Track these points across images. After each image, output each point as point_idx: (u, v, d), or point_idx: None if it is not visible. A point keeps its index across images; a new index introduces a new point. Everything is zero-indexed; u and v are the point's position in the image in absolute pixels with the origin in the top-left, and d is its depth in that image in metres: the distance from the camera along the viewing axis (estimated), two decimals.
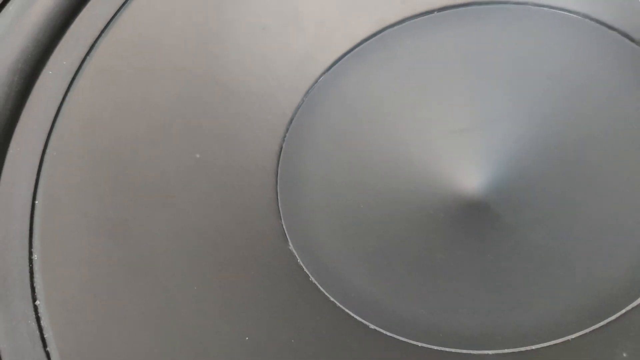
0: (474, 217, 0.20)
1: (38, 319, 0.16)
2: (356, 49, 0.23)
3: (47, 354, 0.15)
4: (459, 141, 0.21)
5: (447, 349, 0.17)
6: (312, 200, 0.21)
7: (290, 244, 0.20)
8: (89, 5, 0.21)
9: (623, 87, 0.20)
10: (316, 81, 0.23)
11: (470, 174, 0.21)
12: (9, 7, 0.22)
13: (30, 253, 0.17)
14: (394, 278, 0.20)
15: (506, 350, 0.17)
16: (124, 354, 0.16)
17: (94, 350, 0.16)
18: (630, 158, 0.19)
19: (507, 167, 0.20)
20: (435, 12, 0.23)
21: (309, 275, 0.19)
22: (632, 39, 0.20)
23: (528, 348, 0.16)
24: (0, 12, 0.22)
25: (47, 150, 0.19)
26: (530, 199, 0.20)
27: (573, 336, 0.16)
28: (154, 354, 0.16)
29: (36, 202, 0.18)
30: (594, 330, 0.16)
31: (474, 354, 0.17)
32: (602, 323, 0.16)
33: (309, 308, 0.18)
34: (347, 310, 0.18)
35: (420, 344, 0.17)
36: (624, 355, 0.15)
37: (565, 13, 0.22)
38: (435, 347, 0.17)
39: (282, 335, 0.17)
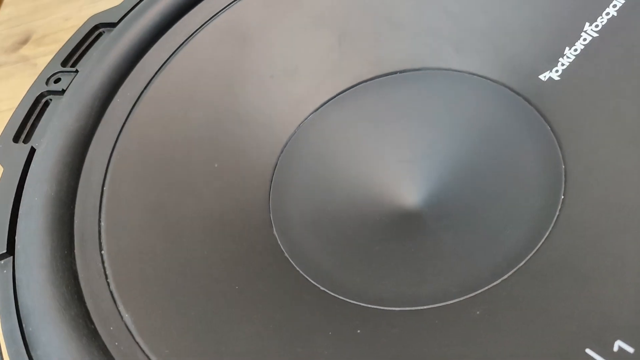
0: (407, 222, 0.28)
1: (102, 262, 0.24)
2: (337, 97, 0.32)
3: (107, 283, 0.24)
4: (403, 168, 0.29)
5: (374, 306, 0.25)
6: (293, 201, 0.29)
7: (274, 229, 0.28)
8: (147, 55, 0.30)
9: (516, 132, 0.28)
10: (306, 118, 0.31)
11: (409, 192, 0.29)
12: (92, 52, 0.31)
13: (99, 220, 0.25)
14: (344, 259, 0.27)
15: (417, 308, 0.24)
16: (155, 286, 0.24)
17: (136, 282, 0.24)
18: (515, 185, 0.27)
19: (434, 188, 0.28)
20: (398, 73, 0.32)
21: (284, 252, 0.27)
22: (524, 97, 0.29)
23: (431, 306, 0.24)
24: (85, 55, 0.31)
25: (114, 153, 0.27)
26: (447, 211, 0.28)
27: (459, 299, 0.24)
28: (175, 290, 0.24)
29: (104, 187, 0.26)
30: (474, 295, 0.24)
31: (395, 310, 0.24)
32: (481, 290, 0.24)
33: (281, 273, 0.26)
34: (306, 277, 0.26)
35: (354, 302, 0.25)
36: (477, 313, 0.22)
37: (478, 77, 0.30)
38: (365, 305, 0.25)
39: (260, 286, 0.25)
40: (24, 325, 0.21)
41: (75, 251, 0.23)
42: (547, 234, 0.24)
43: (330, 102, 0.32)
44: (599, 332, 0.19)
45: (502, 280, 0.24)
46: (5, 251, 0.23)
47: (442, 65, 0.31)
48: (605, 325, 0.19)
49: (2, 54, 0.70)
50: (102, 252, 0.24)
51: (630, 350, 0.18)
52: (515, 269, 0.24)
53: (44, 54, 0.67)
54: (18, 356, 0.20)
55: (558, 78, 0.28)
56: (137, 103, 0.29)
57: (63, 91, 0.29)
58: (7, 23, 0.71)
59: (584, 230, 0.24)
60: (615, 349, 0.18)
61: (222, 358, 0.21)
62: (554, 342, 0.20)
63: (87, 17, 0.33)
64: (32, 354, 0.20)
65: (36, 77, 0.58)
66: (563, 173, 0.26)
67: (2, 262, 0.23)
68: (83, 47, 0.31)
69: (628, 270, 0.21)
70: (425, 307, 0.24)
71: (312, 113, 0.32)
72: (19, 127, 0.28)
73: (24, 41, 0.71)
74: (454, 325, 0.23)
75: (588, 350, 0.18)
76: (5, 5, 0.71)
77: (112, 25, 0.31)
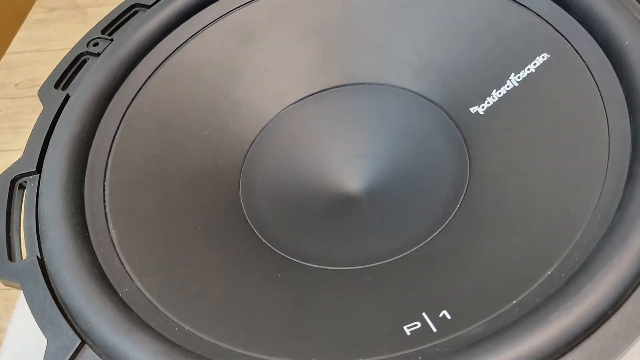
0: (347, 203, 0.35)
1: (103, 190, 0.32)
2: (313, 95, 0.39)
3: (104, 206, 0.31)
4: (353, 161, 0.37)
5: (295, 260, 0.32)
6: (260, 172, 0.37)
7: (240, 191, 0.36)
8: (168, 37, 0.38)
9: (442, 145, 0.35)
10: (285, 107, 0.39)
11: (355, 181, 0.36)
12: (126, 27, 0.39)
13: (107, 158, 0.33)
14: (299, 230, 0.35)
15: (377, 264, 0.31)
16: (138, 215, 0.32)
17: (125, 210, 0.32)
18: (434, 182, 0.34)
19: (372, 179, 0.36)
20: (365, 85, 0.39)
21: (243, 208, 0.35)
22: (455, 122, 0.36)
23: (371, 265, 0.31)
24: (120, 28, 0.39)
25: (128, 110, 0.35)
26: (380, 196, 0.35)
27: (392, 259, 0.31)
28: (153, 221, 0.32)
29: (116, 135, 0.34)
30: (402, 256, 0.31)
31: (310, 266, 0.32)
32: (406, 252, 0.31)
33: (235, 224, 0.34)
34: (266, 243, 0.33)
35: (282, 254, 0.32)
36: (368, 278, 0.30)
37: (425, 99, 0.37)
38: (290, 257, 0.32)
39: (216, 230, 0.33)
40: (39, 224, 0.29)
41: (86, 179, 0.31)
42: (449, 219, 0.32)
43: (307, 98, 0.39)
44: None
45: (415, 249, 0.31)
46: (34, 170, 0.32)
47: (401, 85, 0.38)
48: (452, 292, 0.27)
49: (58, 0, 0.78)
50: (105, 183, 0.32)
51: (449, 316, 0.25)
52: (424, 243, 0.31)
53: (94, 5, 0.75)
54: (32, 244, 0.29)
55: (482, 113, 0.35)
56: (154, 74, 0.37)
57: (99, 54, 0.37)
58: None
59: (478, 215, 0.31)
60: (440, 315, 0.25)
61: (174, 275, 0.29)
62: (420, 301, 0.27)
63: None
64: (42, 245, 0.29)
65: (84, 24, 0.68)
66: (467, 181, 0.33)
67: (32, 177, 0.31)
68: (120, 21, 0.39)
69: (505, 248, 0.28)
70: (334, 267, 0.32)
71: (290, 104, 0.39)
72: (60, 77, 0.36)
73: None
74: (353, 283, 0.30)
75: (423, 314, 0.26)
76: None
77: (147, 6, 0.39)
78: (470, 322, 0.24)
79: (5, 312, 0.46)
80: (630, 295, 0.22)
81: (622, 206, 0.24)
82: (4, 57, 0.71)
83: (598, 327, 0.21)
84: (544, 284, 0.24)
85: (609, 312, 0.21)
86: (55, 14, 0.75)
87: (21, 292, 0.43)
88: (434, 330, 0.25)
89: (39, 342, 0.43)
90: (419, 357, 0.23)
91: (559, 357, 0.21)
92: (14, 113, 0.63)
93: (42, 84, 0.65)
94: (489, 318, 0.24)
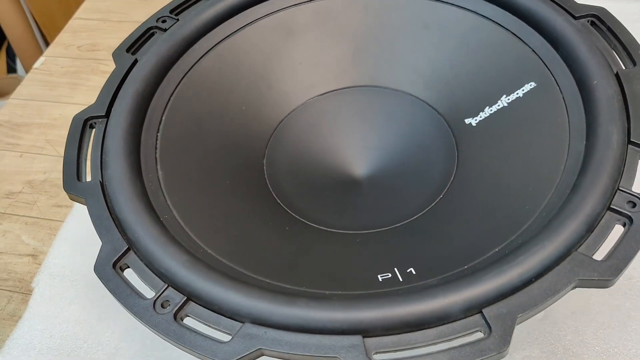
0: (355, 185, 0.42)
1: (156, 140, 0.39)
2: (338, 90, 0.46)
3: (155, 151, 0.39)
4: (363, 152, 0.44)
5: (302, 219, 0.39)
6: (281, 155, 0.44)
7: (264, 160, 0.43)
8: (222, 25, 0.45)
9: (439, 145, 0.42)
10: (312, 97, 0.46)
11: (361, 167, 0.43)
12: (191, 10, 0.46)
13: (162, 115, 0.40)
14: (308, 199, 0.42)
15: (368, 231, 0.38)
16: (181, 163, 0.39)
17: (172, 157, 0.39)
18: (426, 171, 0.41)
19: (376, 167, 0.43)
20: (384, 88, 0.46)
21: (269, 185, 0.42)
22: (451, 129, 0.42)
23: (361, 232, 0.38)
24: (186, 10, 0.46)
25: (182, 80, 0.42)
26: (380, 182, 0.42)
27: (380, 229, 0.38)
28: (191, 170, 0.39)
29: (171, 98, 0.42)
30: (388, 229, 0.38)
31: (337, 231, 0.39)
32: (391, 226, 0.38)
33: (264, 197, 0.41)
34: (280, 203, 0.41)
35: (292, 213, 0.40)
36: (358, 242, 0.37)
37: (430, 107, 0.44)
38: (296, 216, 0.39)
39: (242, 188, 0.40)
40: (103, 156, 0.37)
41: (143, 127, 0.39)
42: (430, 206, 0.39)
43: (332, 92, 0.46)
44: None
45: (399, 225, 0.38)
46: (104, 114, 0.39)
47: (413, 93, 0.45)
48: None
49: None
50: (158, 133, 0.40)
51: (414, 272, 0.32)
52: (407, 221, 0.38)
53: None
54: (96, 171, 0.36)
55: (474, 124, 0.41)
56: (208, 52, 0.44)
57: (165, 30, 0.44)
58: None
59: (455, 205, 0.38)
60: (408, 271, 0.32)
61: (203, 212, 0.37)
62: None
63: None
64: (103, 172, 0.36)
65: (144, 2, 0.76)
66: (452, 178, 0.40)
67: (101, 120, 0.39)
68: (186, 5, 0.46)
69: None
70: (331, 230, 0.39)
71: (317, 96, 0.46)
72: (132, 44, 0.43)
73: None
74: (344, 242, 0.37)
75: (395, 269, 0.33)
76: None
77: None
78: (429, 277, 0.31)
79: (47, 239, 0.54)
80: (552, 269, 0.28)
81: (561, 208, 0.31)
82: (70, 22, 0.79)
83: (522, 289, 0.28)
84: (491, 256, 0.31)
85: (533, 279, 0.28)
86: None
87: (63, 223, 0.51)
88: (400, 280, 0.31)
89: (72, 268, 0.51)
90: (384, 295, 0.29)
91: (487, 306, 0.27)
92: (74, 71, 0.71)
93: (102, 48, 0.73)
94: (443, 276, 0.30)
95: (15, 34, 1.12)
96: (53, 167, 0.60)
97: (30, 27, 1.12)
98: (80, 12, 0.81)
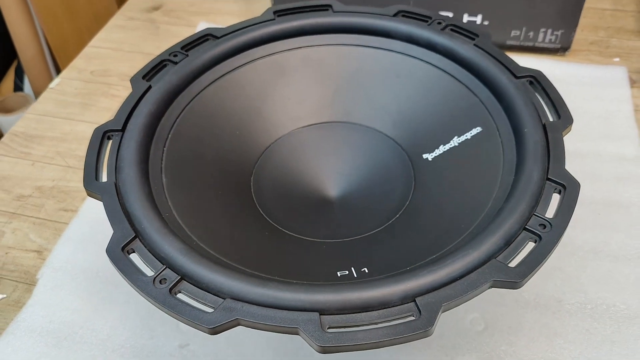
0: (328, 204, 0.50)
1: (162, 152, 0.47)
2: (319, 124, 0.54)
3: (161, 162, 0.46)
4: (336, 177, 0.52)
5: (295, 235, 0.46)
6: (266, 175, 0.51)
7: (252, 178, 0.51)
8: (225, 62, 0.53)
9: (400, 174, 0.50)
10: (296, 128, 0.54)
11: (333, 189, 0.51)
12: (199, 49, 0.54)
13: (169, 133, 0.48)
14: (287, 212, 0.49)
15: (334, 240, 0.46)
16: (182, 173, 0.46)
17: (174, 168, 0.46)
18: (388, 194, 0.48)
19: (346, 190, 0.50)
20: (358, 125, 0.54)
21: (254, 198, 0.49)
22: (411, 162, 0.50)
23: (342, 240, 0.46)
24: (194, 48, 0.55)
25: (188, 105, 0.50)
26: (348, 202, 0.49)
27: (344, 239, 0.45)
28: (189, 179, 0.46)
29: (177, 119, 0.49)
30: (350, 239, 0.45)
31: (308, 239, 0.46)
32: (353, 238, 0.45)
33: (249, 207, 0.48)
34: (262, 214, 0.48)
35: (286, 231, 0.47)
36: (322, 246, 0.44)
37: (396, 143, 0.52)
38: (276, 225, 0.47)
39: (229, 199, 0.47)
40: (117, 162, 0.44)
41: (153, 141, 0.46)
42: (388, 223, 0.46)
43: (314, 125, 0.54)
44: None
45: (360, 237, 0.46)
46: (120, 128, 0.46)
47: (382, 130, 0.53)
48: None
49: (137, 12, 0.95)
50: (164, 147, 0.47)
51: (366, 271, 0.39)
52: (367, 234, 0.46)
53: (167, 23, 0.92)
54: (111, 173, 0.43)
55: (430, 159, 0.49)
56: (211, 84, 0.52)
57: (176, 63, 0.52)
58: None
59: (409, 223, 0.45)
60: (362, 270, 0.39)
61: (198, 215, 0.44)
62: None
63: (206, 4, 0.54)
64: (117, 175, 0.43)
65: (155, 36, 0.86)
66: (408, 201, 0.47)
67: (117, 133, 0.46)
68: (195, 43, 0.54)
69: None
70: (304, 237, 0.46)
71: (301, 127, 0.54)
72: (147, 72, 0.51)
73: (156, 8, 0.95)
74: (313, 247, 0.45)
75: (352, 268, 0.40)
76: None
77: (216, 37, 0.55)
78: (378, 274, 0.38)
79: (52, 238, 0.60)
80: (474, 271, 0.36)
81: (487, 226, 0.38)
82: (85, 49, 0.87)
83: (449, 284, 0.35)
84: (429, 261, 0.38)
85: (458, 278, 0.35)
86: (132, 23, 0.92)
87: (68, 225, 0.58)
88: (355, 276, 0.39)
89: (74, 263, 0.57)
90: (340, 284, 0.37)
91: (419, 295, 0.35)
92: (86, 93, 0.79)
93: (113, 74, 0.82)
94: (390, 274, 0.38)
95: (27, 55, 1.19)
96: (61, 176, 0.67)
97: (42, 50, 1.20)
98: (94, 42, 0.89)
